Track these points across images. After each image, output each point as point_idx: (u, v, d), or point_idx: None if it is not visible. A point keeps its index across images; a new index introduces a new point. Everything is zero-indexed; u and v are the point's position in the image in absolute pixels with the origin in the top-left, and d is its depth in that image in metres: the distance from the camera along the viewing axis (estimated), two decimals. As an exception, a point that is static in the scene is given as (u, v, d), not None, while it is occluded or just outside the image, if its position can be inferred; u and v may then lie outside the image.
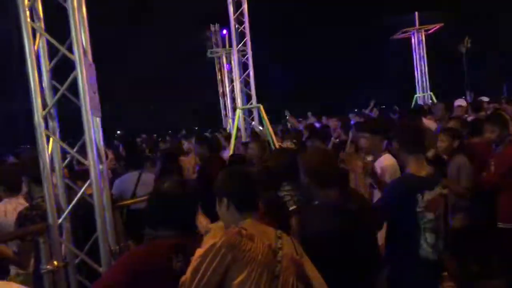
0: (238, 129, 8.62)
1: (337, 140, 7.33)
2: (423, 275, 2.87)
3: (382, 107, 17.22)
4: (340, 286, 2.31)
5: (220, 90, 18.53)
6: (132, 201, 3.61)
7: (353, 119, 9.94)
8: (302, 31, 23.15)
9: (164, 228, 2.34)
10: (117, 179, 5.08)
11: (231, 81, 15.89)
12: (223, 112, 18.68)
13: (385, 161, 3.74)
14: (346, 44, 24.30)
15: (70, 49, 3.00)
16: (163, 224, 2.35)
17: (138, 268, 2.20)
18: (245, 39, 9.02)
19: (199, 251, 2.07)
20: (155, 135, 17.18)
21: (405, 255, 2.91)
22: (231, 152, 7.43)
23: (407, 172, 3.04)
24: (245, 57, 9.14)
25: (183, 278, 2.05)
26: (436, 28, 15.87)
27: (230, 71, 16.25)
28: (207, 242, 2.14)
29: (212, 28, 17.28)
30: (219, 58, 17.81)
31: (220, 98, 18.71)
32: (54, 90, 3.16)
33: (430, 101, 15.59)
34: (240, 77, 9.13)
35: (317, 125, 9.75)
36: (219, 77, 18.45)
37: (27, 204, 3.73)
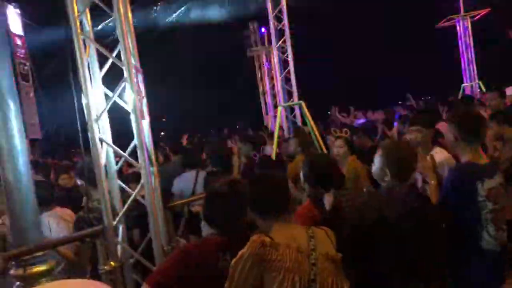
0: (280, 127, 8.62)
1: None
2: (486, 268, 2.75)
3: (427, 97, 16.71)
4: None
5: (261, 89, 18.56)
6: (182, 201, 3.72)
7: (398, 112, 9.72)
8: (342, 24, 22.78)
9: (216, 227, 2.41)
10: (176, 179, 5.16)
11: (271, 79, 15.90)
12: (263, 110, 18.72)
13: (442, 155, 3.62)
14: (388, 34, 23.72)
15: (119, 56, 3.12)
16: (214, 223, 2.43)
17: (189, 264, 2.28)
18: (284, 37, 9.00)
19: (234, 260, 2.10)
20: (198, 135, 17.42)
21: (466, 248, 2.79)
22: (274, 150, 7.44)
23: (464, 161, 2.94)
24: (285, 54, 9.12)
25: (226, 285, 2.09)
26: (482, 13, 15.23)
27: (270, 69, 16.27)
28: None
29: (251, 27, 17.36)
30: (259, 56, 17.85)
31: (261, 96, 18.76)
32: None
33: (478, 90, 15.00)
34: (280, 75, 9.12)
35: (361, 121, 9.61)
36: (259, 75, 18.50)
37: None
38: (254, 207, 2.24)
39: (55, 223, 3.90)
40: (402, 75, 22.99)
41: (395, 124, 8.19)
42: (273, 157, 6.86)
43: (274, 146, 7.57)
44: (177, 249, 2.71)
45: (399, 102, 15.87)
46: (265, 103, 18.25)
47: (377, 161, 2.68)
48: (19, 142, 2.76)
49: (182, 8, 20.46)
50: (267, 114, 18.09)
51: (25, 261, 2.75)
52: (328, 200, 2.83)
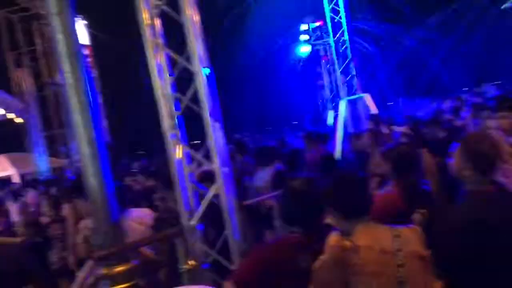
0: (343, 121, 8.46)
1: None
2: None
3: (496, 83, 15.81)
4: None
5: (319, 83, 18.39)
6: (257, 199, 3.74)
7: (470, 100, 9.23)
8: (401, 10, 22.01)
9: (291, 225, 2.39)
10: (254, 176, 5.18)
11: (329, 73, 15.67)
12: (322, 105, 18.56)
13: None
14: (452, 19, 22.63)
15: (189, 60, 3.18)
16: (290, 221, 2.41)
17: (268, 262, 2.28)
18: (342, 29, 8.84)
19: (316, 266, 2.06)
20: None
21: None
22: (338, 145, 7.30)
23: None
24: (344, 47, 8.95)
25: None
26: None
27: (327, 62, 16.04)
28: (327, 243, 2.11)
29: (306, 22, 17.20)
30: (317, 50, 17.65)
31: (319, 91, 18.60)
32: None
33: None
34: (340, 68, 8.95)
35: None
36: (316, 70, 18.33)
37: None
38: (338, 207, 2.18)
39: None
40: (468, 62, 21.92)
41: (464, 113, 7.81)
42: (338, 153, 6.74)
43: (338, 141, 7.43)
44: (256, 248, 2.72)
45: (466, 89, 15.13)
46: (324, 98, 18.06)
47: (456, 156, 2.52)
48: (99, 147, 2.88)
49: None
50: (325, 109, 17.90)
51: (110, 260, 2.87)
52: (417, 218, 2.71)
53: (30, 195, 8.29)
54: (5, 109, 13.69)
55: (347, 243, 2.01)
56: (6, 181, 15.58)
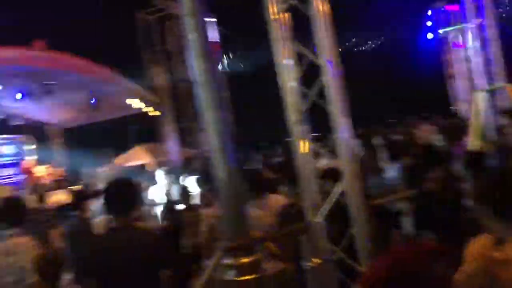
0: (480, 114, 7.69)
1: None
2: None
3: None
4: None
5: (448, 72, 17.11)
6: (386, 199, 3.56)
7: None
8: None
9: (427, 230, 2.23)
10: (386, 171, 5.05)
11: (463, 61, 14.46)
12: (451, 95, 17.27)
13: None
14: None
15: (316, 53, 3.12)
16: (426, 225, 2.25)
17: (399, 270, 2.14)
18: (481, 13, 8.04)
19: (457, 276, 1.85)
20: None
21: None
22: (477, 142, 6.64)
23: None
24: (483, 32, 8.12)
25: None
26: None
27: (460, 49, 14.83)
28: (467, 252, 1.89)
29: (436, 6, 16.12)
30: (446, 37, 16.46)
31: (448, 81, 17.32)
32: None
33: None
34: (477, 55, 8.16)
35: None
36: (446, 57, 17.08)
37: None
38: (496, 208, 1.94)
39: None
40: None
41: None
42: (474, 149, 6.14)
43: (475, 137, 6.76)
44: (389, 252, 2.59)
45: None
46: (454, 88, 16.83)
47: None
48: (228, 141, 2.96)
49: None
50: (455, 100, 16.70)
51: (237, 251, 2.94)
52: None
53: (164, 183, 8.98)
54: (144, 103, 14.97)
55: (497, 253, 1.78)
56: (143, 168, 17.15)
